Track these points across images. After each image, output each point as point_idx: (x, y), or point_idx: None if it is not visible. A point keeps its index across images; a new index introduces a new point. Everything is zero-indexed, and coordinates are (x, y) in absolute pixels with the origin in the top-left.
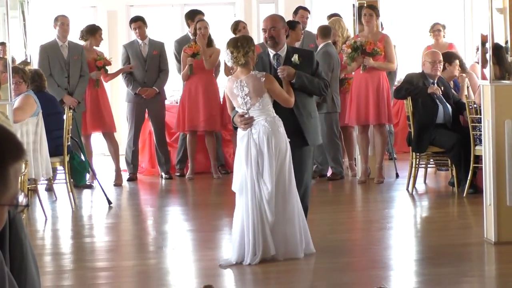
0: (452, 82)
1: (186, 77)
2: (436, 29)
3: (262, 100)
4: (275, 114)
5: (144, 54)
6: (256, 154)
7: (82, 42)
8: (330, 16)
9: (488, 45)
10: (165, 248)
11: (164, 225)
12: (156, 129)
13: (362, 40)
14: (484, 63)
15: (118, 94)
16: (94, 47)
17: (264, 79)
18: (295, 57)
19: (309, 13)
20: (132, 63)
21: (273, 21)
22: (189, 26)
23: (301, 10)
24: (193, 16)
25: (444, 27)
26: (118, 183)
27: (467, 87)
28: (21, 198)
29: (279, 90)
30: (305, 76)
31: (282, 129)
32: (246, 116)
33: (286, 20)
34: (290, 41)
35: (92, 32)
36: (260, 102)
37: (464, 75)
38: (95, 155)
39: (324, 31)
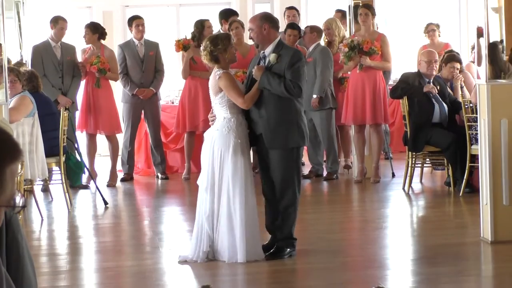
0: (448, 82)
1: (186, 74)
2: (430, 29)
3: (218, 98)
4: (229, 115)
5: (141, 54)
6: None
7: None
8: (337, 11)
9: (484, 44)
10: (162, 249)
11: (161, 225)
12: (152, 129)
13: (359, 39)
14: (479, 62)
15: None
16: (90, 46)
17: (218, 77)
18: (272, 57)
19: (297, 10)
20: (128, 64)
21: (250, 22)
22: (221, 25)
23: (287, 11)
24: (228, 16)
25: (438, 26)
26: (111, 184)
27: (461, 87)
28: (18, 199)
29: (230, 90)
30: (268, 77)
31: (232, 132)
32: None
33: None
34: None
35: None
36: (217, 100)
37: (459, 75)
38: None
39: (321, 31)
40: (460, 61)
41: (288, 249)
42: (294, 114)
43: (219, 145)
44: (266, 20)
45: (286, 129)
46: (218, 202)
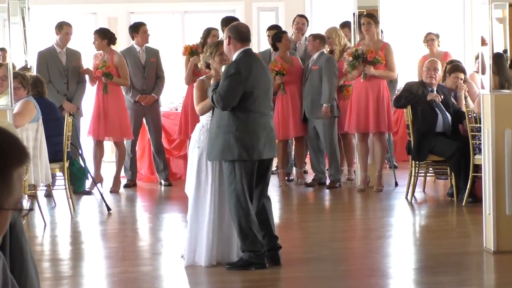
0: (452, 92)
1: (189, 80)
2: (429, 39)
3: None
4: (202, 121)
5: (142, 61)
6: None
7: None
8: (342, 25)
9: (488, 54)
10: (164, 255)
11: (163, 232)
12: (153, 136)
13: (363, 49)
14: (483, 72)
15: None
16: (101, 52)
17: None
18: (223, 68)
19: (306, 19)
20: (130, 70)
21: None
22: (223, 33)
23: (297, 18)
24: (229, 24)
25: (437, 36)
26: (114, 190)
27: (465, 97)
28: (25, 203)
29: (194, 97)
30: (210, 88)
31: (196, 138)
32: None
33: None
34: (280, 52)
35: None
36: None
37: (463, 85)
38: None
39: (323, 39)
40: (464, 71)
41: (252, 264)
42: (231, 126)
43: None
44: (229, 32)
45: (221, 142)
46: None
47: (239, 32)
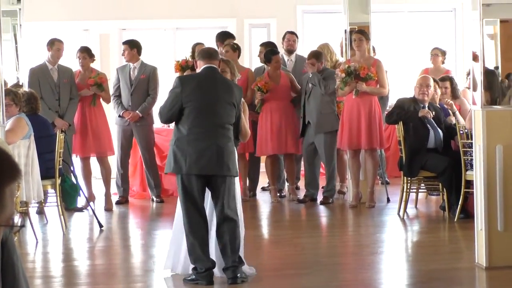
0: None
1: None
2: (434, 54)
3: None
4: None
5: (132, 77)
6: None
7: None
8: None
9: (480, 70)
10: (156, 272)
11: (155, 248)
12: (144, 153)
13: (356, 65)
14: (475, 88)
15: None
16: (79, 70)
17: None
18: None
19: (296, 36)
20: (121, 86)
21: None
22: (217, 48)
23: (288, 35)
24: (223, 39)
25: (443, 53)
26: (108, 207)
27: (454, 112)
28: (17, 219)
29: None
30: None
31: None
32: None
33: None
34: (270, 70)
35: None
36: None
37: (451, 101)
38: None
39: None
40: (450, 80)
41: (197, 280)
42: (173, 140)
43: None
44: (196, 55)
45: (168, 154)
46: None
47: (202, 51)
